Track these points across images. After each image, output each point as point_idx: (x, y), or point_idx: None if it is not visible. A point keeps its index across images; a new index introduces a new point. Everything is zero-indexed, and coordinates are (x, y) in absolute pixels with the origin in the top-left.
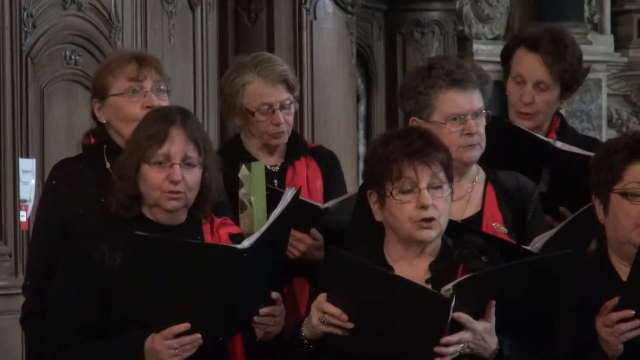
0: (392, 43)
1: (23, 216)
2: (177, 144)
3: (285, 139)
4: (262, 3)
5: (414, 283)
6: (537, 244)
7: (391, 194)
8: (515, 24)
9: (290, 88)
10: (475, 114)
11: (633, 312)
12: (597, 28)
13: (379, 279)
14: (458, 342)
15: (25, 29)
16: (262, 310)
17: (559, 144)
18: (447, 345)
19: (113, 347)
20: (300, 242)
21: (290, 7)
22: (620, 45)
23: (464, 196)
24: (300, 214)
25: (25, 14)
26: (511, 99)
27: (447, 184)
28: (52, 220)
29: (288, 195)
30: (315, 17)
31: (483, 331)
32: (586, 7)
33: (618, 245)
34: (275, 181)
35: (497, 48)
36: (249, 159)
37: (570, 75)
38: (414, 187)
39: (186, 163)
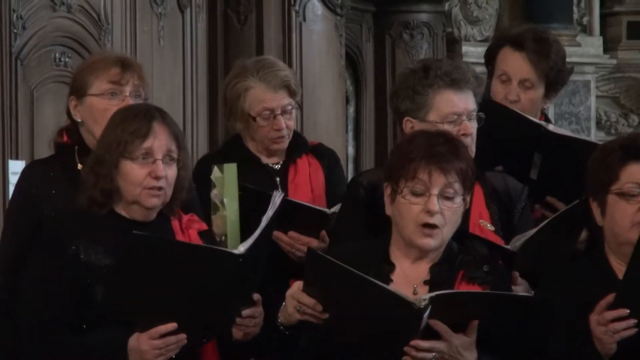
0: (381, 45)
1: None
2: (160, 139)
3: (285, 143)
4: (251, 5)
5: (388, 290)
6: (516, 242)
7: (402, 192)
8: (504, 25)
9: (291, 93)
10: (470, 116)
11: (628, 311)
12: (586, 30)
13: (355, 282)
14: (429, 350)
15: (15, 30)
16: (245, 312)
17: (551, 127)
18: (416, 348)
19: (94, 344)
20: (306, 246)
21: (279, 9)
22: (609, 47)
23: None
24: (307, 220)
25: (14, 15)
26: (496, 98)
27: (461, 196)
28: (24, 221)
29: (276, 199)
30: (304, 19)
31: (460, 345)
32: (575, 9)
33: (617, 245)
34: (278, 179)
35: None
36: (250, 157)
37: (554, 74)
38: (425, 191)
39: (168, 159)
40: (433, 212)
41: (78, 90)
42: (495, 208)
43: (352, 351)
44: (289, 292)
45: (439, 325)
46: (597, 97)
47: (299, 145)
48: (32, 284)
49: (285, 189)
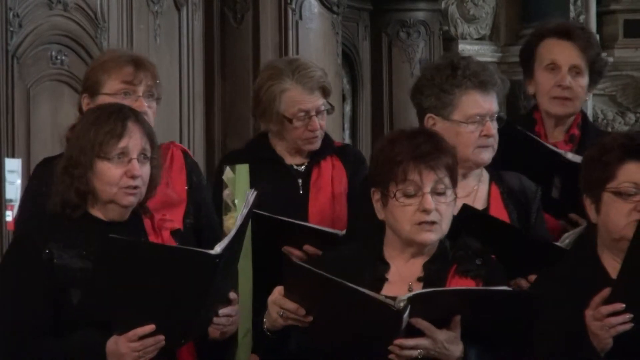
0: (377, 43)
1: (9, 216)
2: (135, 139)
3: (318, 143)
4: (247, 3)
5: (365, 293)
6: (565, 240)
7: (394, 195)
8: (501, 24)
9: (326, 93)
10: (492, 117)
11: (623, 305)
12: None
13: (332, 287)
14: (414, 347)
15: (11, 28)
16: (222, 312)
17: (570, 156)
18: (401, 347)
19: (72, 347)
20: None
21: (275, 7)
22: (606, 45)
23: (470, 194)
24: (317, 239)
25: (11, 13)
26: (544, 87)
27: (451, 189)
28: (35, 218)
29: (249, 197)
30: (300, 17)
31: (445, 340)
32: (572, 7)
33: (612, 242)
34: (300, 180)
35: (483, 48)
36: (274, 158)
37: (598, 63)
38: (418, 191)
39: (142, 157)
40: (429, 210)
41: (90, 88)
42: (513, 208)
43: (338, 354)
44: (270, 298)
45: (422, 323)
46: (594, 95)
47: (324, 147)
48: (7, 289)
49: (306, 191)
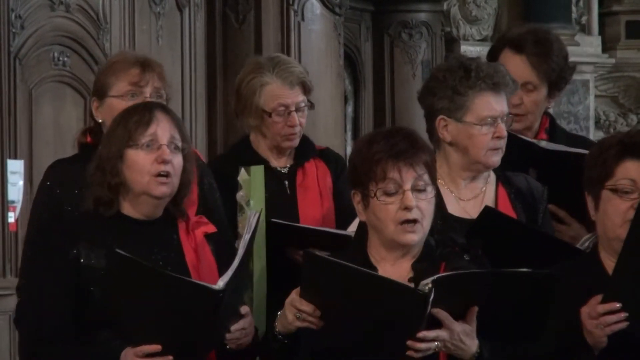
0: (379, 44)
1: (11, 217)
2: (163, 126)
3: (297, 141)
4: (249, 4)
5: (392, 281)
6: (586, 243)
7: (375, 194)
8: (503, 25)
9: (306, 90)
10: (504, 118)
11: (619, 304)
12: (585, 29)
13: (356, 278)
14: (434, 339)
15: (14, 30)
16: (233, 327)
17: (544, 144)
18: (422, 340)
19: (88, 354)
20: None
21: (277, 8)
22: (608, 46)
23: (478, 195)
24: (330, 243)
25: (13, 15)
26: None
27: (431, 185)
28: (47, 220)
29: (252, 220)
30: (303, 19)
31: (461, 332)
32: (574, 9)
33: (607, 241)
34: (286, 182)
35: (485, 49)
36: (258, 160)
37: (556, 75)
38: (398, 189)
39: (173, 147)
40: (410, 207)
41: (99, 91)
42: (521, 209)
43: (353, 353)
44: (288, 300)
45: (441, 313)
46: (596, 96)
47: (307, 149)
48: (32, 287)
49: (293, 192)
